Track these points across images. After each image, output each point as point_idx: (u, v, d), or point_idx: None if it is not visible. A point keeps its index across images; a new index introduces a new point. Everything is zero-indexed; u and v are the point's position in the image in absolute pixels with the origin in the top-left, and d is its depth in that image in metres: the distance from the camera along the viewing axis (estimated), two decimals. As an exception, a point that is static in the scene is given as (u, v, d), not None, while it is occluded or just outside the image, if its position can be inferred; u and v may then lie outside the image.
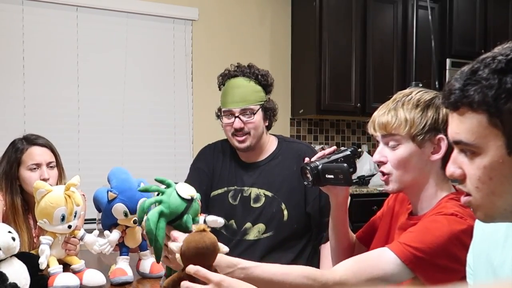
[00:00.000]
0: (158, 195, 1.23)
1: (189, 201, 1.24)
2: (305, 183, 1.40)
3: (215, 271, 1.10)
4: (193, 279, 1.08)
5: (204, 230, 1.07)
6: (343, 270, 1.16)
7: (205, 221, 1.29)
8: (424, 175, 1.26)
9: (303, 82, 3.89)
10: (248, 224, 1.89)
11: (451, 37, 4.12)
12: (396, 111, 1.25)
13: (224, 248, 1.12)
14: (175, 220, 1.22)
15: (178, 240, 1.16)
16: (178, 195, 1.22)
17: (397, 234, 1.30)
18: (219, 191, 1.95)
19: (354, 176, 3.75)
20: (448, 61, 4.03)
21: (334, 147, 1.45)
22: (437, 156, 1.23)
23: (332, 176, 1.33)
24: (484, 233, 0.99)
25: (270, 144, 1.97)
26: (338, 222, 1.46)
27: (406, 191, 1.31)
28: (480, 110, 0.78)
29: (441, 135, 1.22)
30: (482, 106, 0.78)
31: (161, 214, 1.20)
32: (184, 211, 1.23)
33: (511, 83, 0.76)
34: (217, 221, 1.28)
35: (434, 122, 1.23)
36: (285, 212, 1.86)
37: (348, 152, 1.40)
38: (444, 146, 1.23)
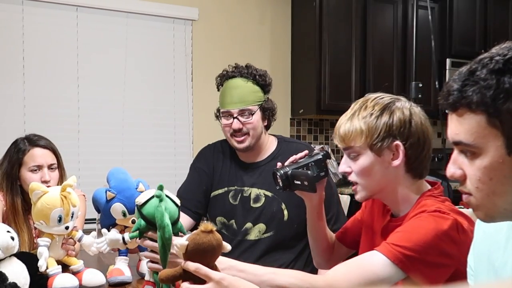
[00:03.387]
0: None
1: (179, 208, 1.25)
2: (277, 187, 1.42)
3: (215, 268, 1.10)
4: (189, 274, 1.08)
5: (211, 231, 1.07)
6: (334, 275, 1.17)
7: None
8: (390, 181, 1.27)
9: (303, 82, 3.89)
10: (249, 224, 1.89)
11: (451, 37, 4.12)
12: (352, 122, 1.26)
13: (227, 246, 1.12)
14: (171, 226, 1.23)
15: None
16: (172, 201, 1.23)
17: (382, 237, 1.30)
18: (220, 191, 1.95)
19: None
20: (448, 61, 4.02)
21: (306, 152, 1.46)
22: (397, 162, 1.24)
23: (299, 182, 1.36)
24: (485, 234, 0.99)
25: (270, 144, 1.97)
26: (314, 224, 1.49)
27: (377, 197, 1.33)
28: (479, 110, 0.78)
29: (397, 142, 1.23)
30: (480, 107, 0.78)
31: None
32: (178, 216, 1.23)
33: (509, 83, 0.76)
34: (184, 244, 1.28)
35: (389, 129, 1.23)
36: (285, 212, 1.86)
37: (319, 157, 1.41)
38: (401, 152, 1.23)
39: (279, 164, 1.43)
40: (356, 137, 1.24)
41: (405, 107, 1.26)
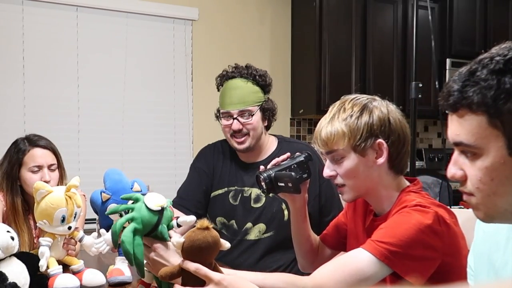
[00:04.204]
0: (128, 212, 1.24)
1: (160, 212, 1.24)
2: (261, 190, 1.43)
3: (216, 266, 1.10)
4: (188, 273, 1.08)
5: (207, 228, 1.07)
6: (321, 274, 1.18)
7: (178, 224, 1.30)
8: (375, 179, 1.27)
9: (303, 82, 3.89)
10: (249, 224, 1.89)
11: (451, 37, 4.12)
12: (333, 125, 1.26)
13: (226, 244, 1.12)
14: (150, 233, 1.23)
15: (158, 250, 1.19)
16: (148, 208, 1.22)
17: (367, 236, 1.31)
18: (220, 191, 1.95)
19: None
20: (448, 61, 4.02)
21: (288, 154, 1.47)
22: (382, 160, 1.25)
23: (283, 184, 1.36)
24: (485, 234, 0.99)
25: (270, 144, 1.97)
26: (297, 226, 1.50)
27: (362, 197, 1.34)
28: (480, 111, 0.78)
29: (379, 140, 1.24)
30: (481, 107, 0.78)
31: (135, 232, 1.20)
32: (157, 222, 1.23)
33: (510, 83, 0.76)
34: (187, 220, 1.28)
35: (370, 129, 1.24)
36: (286, 212, 1.86)
37: (301, 158, 1.42)
38: (385, 150, 1.24)
39: (261, 167, 1.43)
40: (339, 139, 1.25)
41: (382, 105, 1.28)
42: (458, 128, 0.82)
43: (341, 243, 1.50)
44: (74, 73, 3.25)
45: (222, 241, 1.11)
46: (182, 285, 1.09)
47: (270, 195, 1.70)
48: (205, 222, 1.07)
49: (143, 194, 1.29)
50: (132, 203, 1.26)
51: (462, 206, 1.43)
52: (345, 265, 1.17)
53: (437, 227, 1.15)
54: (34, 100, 3.13)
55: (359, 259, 1.16)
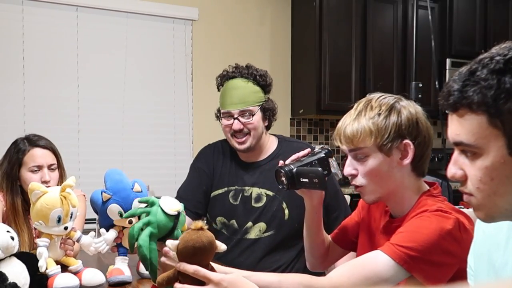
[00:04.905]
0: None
1: (176, 217, 1.24)
2: (280, 186, 1.39)
3: (212, 269, 1.09)
4: (185, 276, 1.07)
5: (201, 229, 1.06)
6: (338, 276, 1.17)
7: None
8: (397, 180, 1.26)
9: (303, 82, 3.89)
10: (249, 224, 1.89)
11: (451, 37, 4.12)
12: (359, 123, 1.24)
13: (222, 246, 1.11)
14: (165, 237, 1.22)
15: (170, 254, 1.17)
16: (164, 212, 1.22)
17: (382, 237, 1.30)
18: (220, 191, 1.95)
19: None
20: (448, 61, 4.02)
21: (308, 150, 1.44)
22: (407, 161, 1.24)
23: (307, 180, 1.32)
24: (485, 234, 0.99)
25: (270, 144, 1.97)
26: (312, 224, 1.48)
27: (383, 199, 1.31)
28: (480, 111, 0.78)
29: (406, 141, 1.23)
30: (481, 107, 0.78)
31: (151, 236, 1.20)
32: (173, 227, 1.23)
33: (510, 83, 0.75)
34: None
35: (398, 129, 1.22)
36: (286, 211, 1.87)
37: (322, 155, 1.40)
38: (411, 151, 1.23)
39: (281, 162, 1.40)
40: (365, 138, 1.23)
41: (410, 106, 1.26)
42: (458, 128, 0.82)
43: (353, 243, 1.48)
44: (74, 73, 3.25)
45: (218, 242, 1.10)
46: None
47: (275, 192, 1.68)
48: (199, 223, 1.06)
49: (157, 197, 1.28)
50: (146, 206, 1.25)
51: (462, 206, 1.43)
52: (363, 267, 1.17)
53: (457, 233, 1.14)
54: (34, 100, 3.13)
55: (377, 262, 1.15)
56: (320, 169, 1.30)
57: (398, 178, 1.26)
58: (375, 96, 1.30)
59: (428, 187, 1.31)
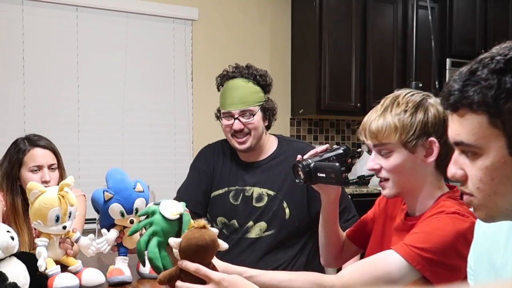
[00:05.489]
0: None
1: (179, 220, 1.23)
2: (297, 181, 1.39)
3: (213, 267, 1.09)
4: (187, 274, 1.07)
5: (204, 227, 1.07)
6: (349, 274, 1.16)
7: None
8: (420, 178, 1.26)
9: (303, 82, 3.89)
10: (250, 223, 1.89)
11: (451, 37, 4.12)
12: (385, 118, 1.23)
13: (223, 244, 1.12)
14: None
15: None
16: (166, 219, 1.22)
17: (395, 236, 1.30)
18: (220, 191, 1.95)
19: (354, 176, 3.73)
20: (448, 61, 4.02)
21: (327, 145, 1.44)
22: (431, 159, 1.23)
23: (324, 175, 1.32)
24: (485, 234, 0.99)
25: (271, 144, 1.97)
26: (328, 220, 1.47)
27: (403, 194, 1.31)
28: (480, 111, 0.78)
29: (432, 138, 1.22)
30: (482, 107, 0.78)
31: (159, 245, 1.20)
32: (179, 229, 1.22)
33: (510, 83, 0.75)
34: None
35: (424, 126, 1.22)
36: (287, 211, 1.87)
37: (340, 151, 1.40)
38: (436, 149, 1.22)
39: (299, 156, 1.40)
40: (390, 133, 1.22)
41: (438, 104, 1.24)
42: (458, 127, 0.82)
43: (368, 241, 1.48)
44: (74, 73, 3.25)
45: (220, 241, 1.10)
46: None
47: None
48: (202, 221, 1.07)
49: (157, 204, 1.27)
50: (147, 217, 1.25)
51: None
52: (374, 266, 1.16)
53: (472, 237, 1.12)
54: (34, 100, 3.13)
55: (390, 262, 1.14)
56: (337, 164, 1.30)
57: (421, 175, 1.25)
58: (402, 92, 1.29)
59: (448, 189, 1.30)
